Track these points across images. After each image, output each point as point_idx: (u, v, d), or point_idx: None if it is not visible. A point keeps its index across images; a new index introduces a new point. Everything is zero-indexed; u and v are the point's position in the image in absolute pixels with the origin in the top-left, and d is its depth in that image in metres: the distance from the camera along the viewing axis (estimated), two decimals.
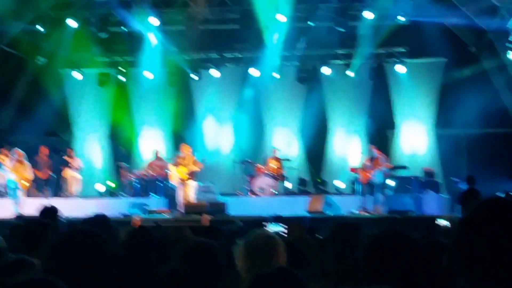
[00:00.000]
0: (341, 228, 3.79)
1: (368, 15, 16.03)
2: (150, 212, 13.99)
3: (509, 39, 14.95)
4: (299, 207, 13.95)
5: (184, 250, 3.26)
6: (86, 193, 16.49)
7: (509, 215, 1.63)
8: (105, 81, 18.14)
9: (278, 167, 16.06)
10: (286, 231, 5.62)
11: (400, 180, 15.36)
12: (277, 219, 8.10)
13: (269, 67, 17.53)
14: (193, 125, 18.41)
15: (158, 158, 16.59)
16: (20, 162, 13.97)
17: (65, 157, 16.06)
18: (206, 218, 11.63)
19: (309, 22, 16.74)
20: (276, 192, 15.64)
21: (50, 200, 13.24)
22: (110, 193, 17.01)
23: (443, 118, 17.69)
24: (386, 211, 13.92)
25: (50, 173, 15.86)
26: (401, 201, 14.22)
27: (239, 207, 14.12)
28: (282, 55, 17.46)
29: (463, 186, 12.55)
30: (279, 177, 16.03)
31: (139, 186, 15.98)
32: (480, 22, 15.79)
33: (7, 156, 14.53)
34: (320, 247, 4.54)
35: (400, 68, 17.54)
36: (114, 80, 18.33)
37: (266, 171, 15.80)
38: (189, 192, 14.16)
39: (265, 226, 6.32)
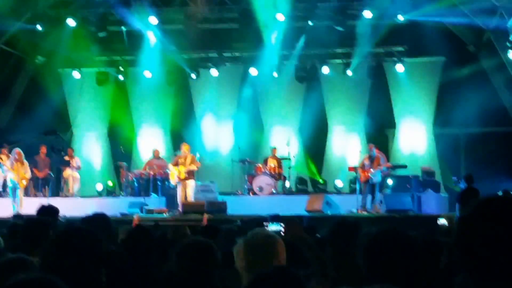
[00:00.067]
0: (340, 228, 3.79)
1: (367, 14, 16.01)
2: (149, 211, 13.98)
3: (509, 38, 14.93)
4: (299, 206, 13.94)
5: (181, 249, 3.26)
6: (85, 193, 16.49)
7: (507, 213, 1.63)
8: (104, 80, 18.08)
9: (277, 166, 16.06)
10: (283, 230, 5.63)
11: (399, 179, 15.36)
12: (274, 218, 8.08)
13: (268, 66, 17.51)
14: (192, 124, 18.40)
15: (157, 157, 16.58)
16: (19, 161, 13.95)
17: (65, 157, 16.06)
18: (206, 218, 11.63)
19: (308, 21, 16.72)
20: (275, 191, 15.64)
21: (49, 200, 13.25)
22: (109, 192, 17.00)
23: (442, 117, 17.69)
24: (385, 210, 13.92)
25: (49, 172, 15.87)
26: (400, 200, 14.19)
27: (238, 206, 14.12)
28: (281, 54, 17.46)
29: (462, 185, 12.54)
30: (278, 176, 16.04)
31: (138, 185, 15.97)
32: (479, 21, 15.80)
33: (6, 155, 14.53)
34: (319, 246, 4.55)
35: (399, 67, 17.52)
36: (113, 79, 18.31)
37: (265, 170, 15.80)
38: (189, 191, 14.15)
39: (266, 226, 6.31)
